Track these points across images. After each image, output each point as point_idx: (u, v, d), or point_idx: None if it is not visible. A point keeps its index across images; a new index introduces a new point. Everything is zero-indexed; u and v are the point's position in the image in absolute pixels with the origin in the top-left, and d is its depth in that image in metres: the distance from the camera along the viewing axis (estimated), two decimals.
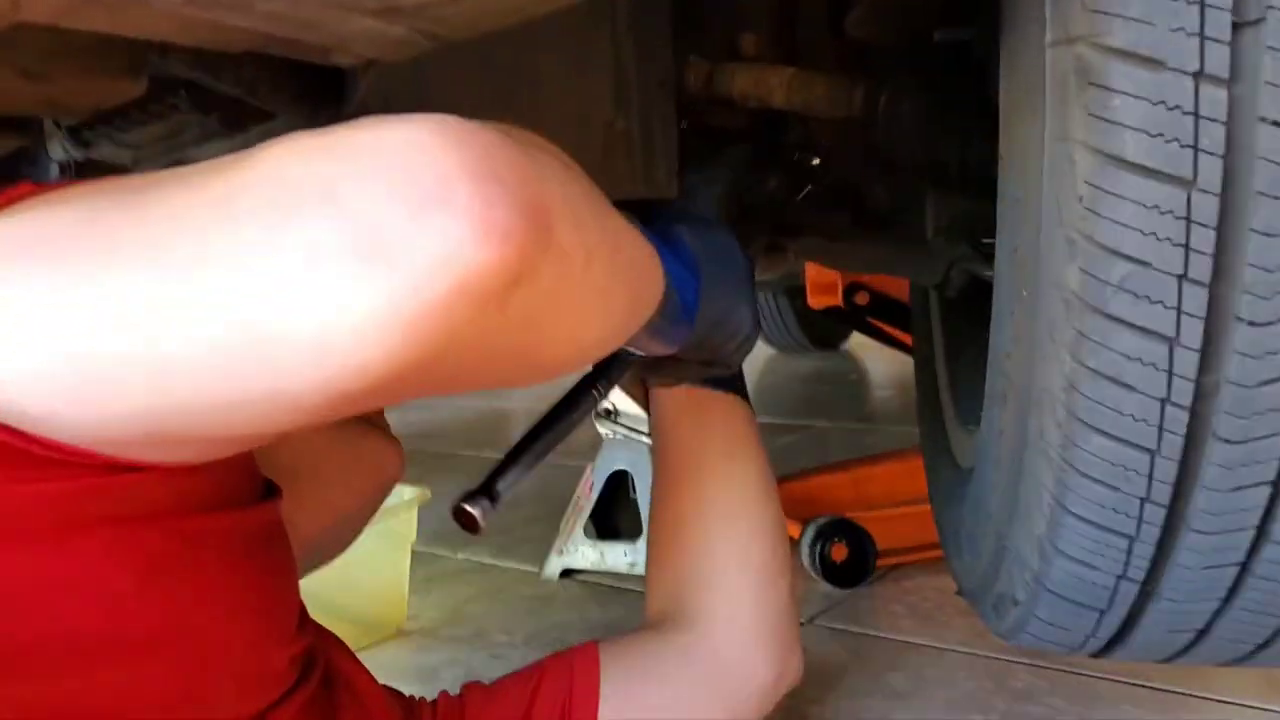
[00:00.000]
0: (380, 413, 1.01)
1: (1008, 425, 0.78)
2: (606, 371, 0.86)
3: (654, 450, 1.06)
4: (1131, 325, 0.64)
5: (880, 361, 4.00)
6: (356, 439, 0.96)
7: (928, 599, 1.53)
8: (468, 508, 0.72)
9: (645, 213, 0.77)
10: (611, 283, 0.59)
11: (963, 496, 1.01)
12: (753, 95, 1.19)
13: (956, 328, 1.29)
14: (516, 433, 0.80)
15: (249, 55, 0.76)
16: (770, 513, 1.02)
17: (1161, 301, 0.63)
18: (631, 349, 0.79)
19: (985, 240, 1.10)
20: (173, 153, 1.05)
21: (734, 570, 0.97)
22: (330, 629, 0.82)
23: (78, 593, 0.53)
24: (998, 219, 0.79)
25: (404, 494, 1.56)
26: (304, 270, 0.41)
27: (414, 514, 1.58)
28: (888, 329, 2.36)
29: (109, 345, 0.44)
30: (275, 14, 0.48)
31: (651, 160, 1.14)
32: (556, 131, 1.05)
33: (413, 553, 1.62)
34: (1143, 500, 0.70)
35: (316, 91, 0.84)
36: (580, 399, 0.84)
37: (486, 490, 0.73)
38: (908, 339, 1.89)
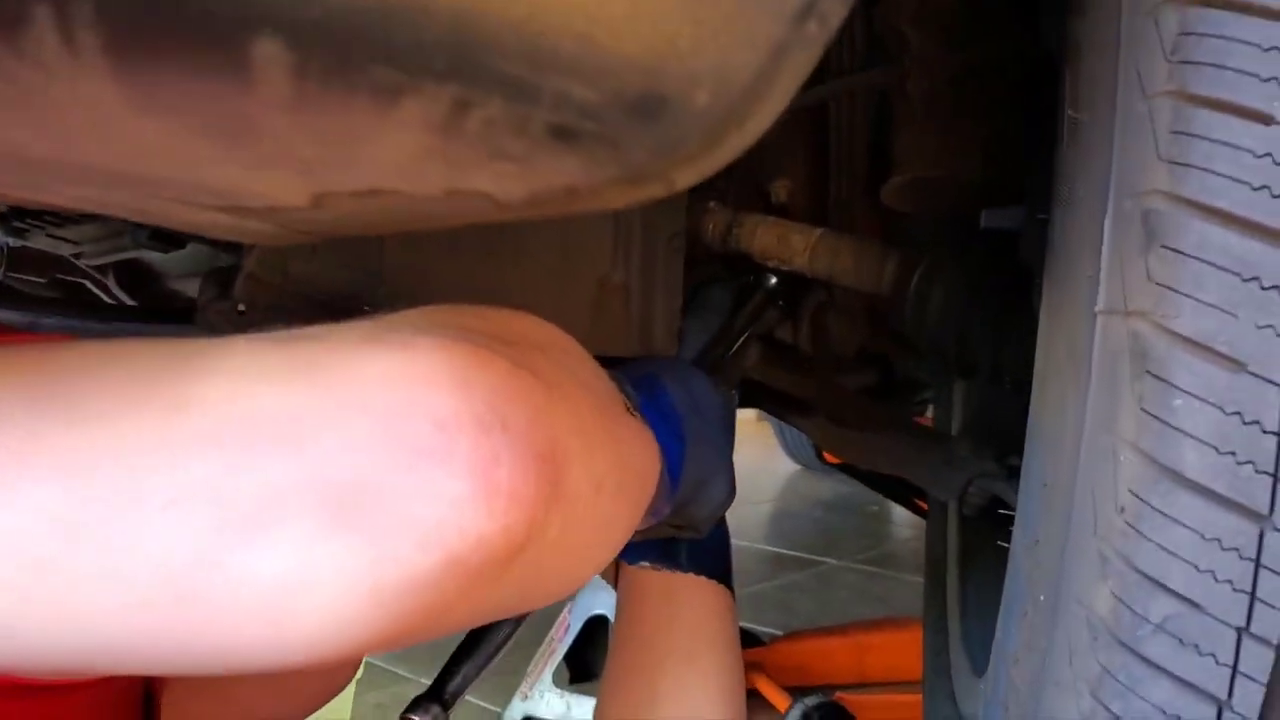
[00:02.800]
0: None
1: None
2: None
3: (613, 632, 0.95)
4: (1171, 675, 0.50)
5: None
6: None
7: None
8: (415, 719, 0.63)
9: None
10: (617, 505, 0.52)
11: None
12: (773, 255, 1.08)
13: (976, 541, 1.14)
14: None
15: None
16: None
17: (1213, 655, 0.49)
18: None
19: (1014, 461, 0.97)
20: (116, 252, 0.95)
21: None
22: None
23: None
24: (1018, 501, 0.65)
25: None
26: (257, 526, 0.34)
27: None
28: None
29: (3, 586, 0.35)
30: (91, 200, 0.38)
31: (650, 319, 1.03)
32: (540, 282, 0.94)
33: (369, 670, 1.49)
34: None
35: None
36: None
37: (436, 695, 0.65)
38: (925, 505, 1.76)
